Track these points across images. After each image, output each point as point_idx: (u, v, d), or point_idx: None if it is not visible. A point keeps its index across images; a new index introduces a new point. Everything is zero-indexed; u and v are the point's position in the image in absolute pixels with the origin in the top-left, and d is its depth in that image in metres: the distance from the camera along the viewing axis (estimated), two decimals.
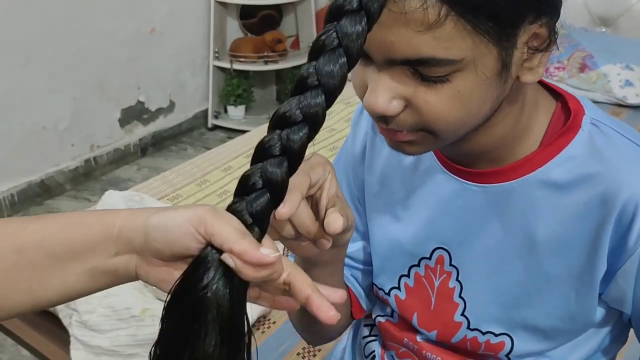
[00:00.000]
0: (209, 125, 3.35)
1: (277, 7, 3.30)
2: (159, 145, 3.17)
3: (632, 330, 0.71)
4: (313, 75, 0.44)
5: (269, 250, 0.46)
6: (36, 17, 2.49)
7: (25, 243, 0.50)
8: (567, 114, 0.65)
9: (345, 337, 0.93)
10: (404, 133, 0.58)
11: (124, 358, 1.23)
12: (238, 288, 0.46)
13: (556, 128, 0.65)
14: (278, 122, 0.45)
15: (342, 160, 0.82)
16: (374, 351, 0.84)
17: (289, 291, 0.50)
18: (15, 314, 0.52)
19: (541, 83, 0.67)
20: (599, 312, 0.67)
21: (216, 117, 3.34)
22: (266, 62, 3.20)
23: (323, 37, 0.44)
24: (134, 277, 0.52)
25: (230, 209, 0.47)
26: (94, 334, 1.23)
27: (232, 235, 0.45)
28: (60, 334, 1.35)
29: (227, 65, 3.21)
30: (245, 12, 3.33)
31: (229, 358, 0.46)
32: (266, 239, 0.48)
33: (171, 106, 3.20)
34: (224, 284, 0.45)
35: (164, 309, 0.47)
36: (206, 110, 3.34)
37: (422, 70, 0.53)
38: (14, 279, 0.50)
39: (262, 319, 1.28)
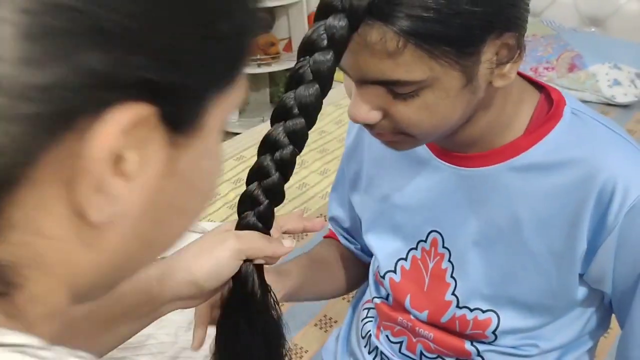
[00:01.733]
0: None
1: (270, 10, 3.31)
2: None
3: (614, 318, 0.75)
4: (292, 102, 0.57)
5: (288, 241, 0.65)
6: None
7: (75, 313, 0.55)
8: (549, 104, 0.70)
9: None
10: (387, 134, 0.65)
11: None
12: (262, 274, 0.64)
13: (540, 117, 0.69)
14: (266, 146, 0.59)
15: (344, 153, 0.90)
16: (369, 331, 0.88)
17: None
18: None
19: (525, 77, 0.72)
20: (581, 292, 0.71)
21: None
22: (259, 65, 3.21)
23: (300, 70, 0.57)
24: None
25: (243, 224, 0.62)
26: None
27: (263, 246, 0.61)
28: None
29: None
30: None
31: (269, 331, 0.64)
32: (276, 230, 0.65)
33: None
34: (259, 281, 0.63)
35: (220, 321, 0.65)
36: None
37: (392, 88, 0.60)
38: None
39: None
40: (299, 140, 0.57)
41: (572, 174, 0.66)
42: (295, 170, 1.91)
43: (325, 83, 0.56)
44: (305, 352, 1.21)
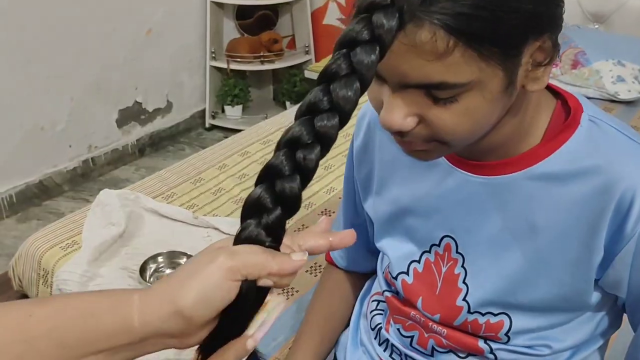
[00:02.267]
0: (207, 125, 3.37)
1: (273, 8, 3.32)
2: (156, 145, 3.19)
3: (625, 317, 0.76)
4: (326, 99, 0.46)
5: (298, 254, 0.50)
6: (35, 18, 2.51)
7: (33, 333, 0.46)
8: (566, 112, 0.69)
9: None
10: (418, 143, 0.63)
11: None
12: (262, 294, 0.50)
13: (557, 125, 0.69)
14: (289, 143, 0.47)
15: (349, 158, 0.90)
16: (379, 324, 0.88)
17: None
18: None
19: None
20: (595, 297, 0.71)
21: (213, 117, 3.36)
22: (262, 62, 3.22)
23: (334, 65, 0.46)
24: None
25: (243, 237, 0.49)
26: None
27: (264, 261, 0.48)
28: None
29: (223, 65, 3.23)
30: (242, 13, 3.35)
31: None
32: (288, 241, 0.51)
33: (169, 107, 3.22)
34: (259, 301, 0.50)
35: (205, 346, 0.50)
36: (203, 111, 3.36)
37: (434, 92, 0.58)
38: None
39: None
40: (327, 140, 0.47)
41: (591, 183, 0.66)
42: None
43: (366, 81, 0.47)
44: None
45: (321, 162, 1.66)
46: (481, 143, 0.67)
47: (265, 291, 0.50)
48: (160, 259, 1.36)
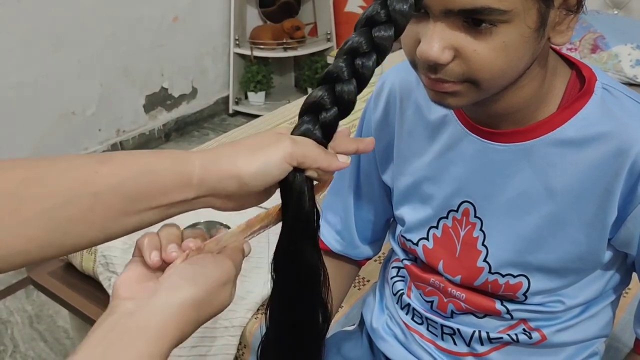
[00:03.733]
0: (230, 111, 3.44)
1: None
2: (182, 130, 3.28)
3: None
4: (383, 12, 0.54)
5: (343, 157, 0.58)
6: (65, 5, 2.60)
7: (101, 187, 0.51)
8: (581, 81, 0.72)
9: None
10: (449, 84, 0.64)
11: None
12: (311, 187, 0.58)
13: (572, 93, 0.72)
14: (349, 51, 0.54)
15: (360, 127, 0.91)
16: (401, 290, 0.92)
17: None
18: (85, 247, 0.53)
19: (558, 54, 0.74)
20: (607, 255, 0.75)
21: (237, 103, 3.43)
22: (285, 49, 3.28)
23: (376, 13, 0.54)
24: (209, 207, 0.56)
25: (301, 130, 0.56)
26: None
27: (318, 155, 0.55)
28: (100, 296, 1.45)
29: (247, 52, 3.30)
30: (265, 1, 3.41)
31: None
32: (340, 141, 0.58)
33: (193, 92, 3.30)
34: (309, 194, 0.57)
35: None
36: (227, 97, 3.43)
37: (477, 17, 0.59)
38: (91, 220, 0.51)
39: None
40: (382, 49, 0.54)
41: (605, 148, 0.69)
42: None
43: (401, 27, 0.54)
44: (341, 308, 1.28)
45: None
46: (501, 104, 0.70)
47: (310, 180, 0.57)
48: (198, 227, 1.43)
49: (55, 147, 2.71)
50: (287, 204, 0.57)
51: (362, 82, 0.55)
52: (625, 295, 1.23)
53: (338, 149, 0.59)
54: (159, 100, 3.14)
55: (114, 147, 2.95)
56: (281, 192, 0.57)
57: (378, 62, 0.55)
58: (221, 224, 1.43)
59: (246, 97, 3.45)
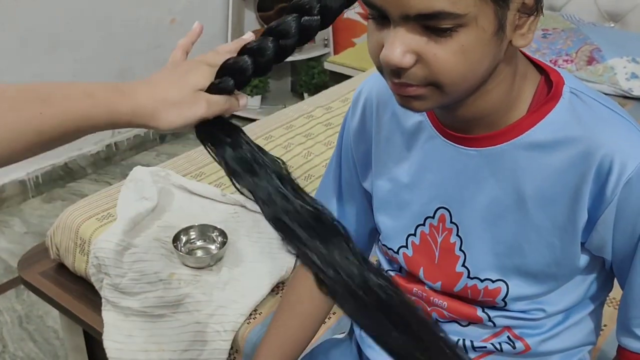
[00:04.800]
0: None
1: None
2: (177, 132, 3.27)
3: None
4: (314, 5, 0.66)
5: (244, 99, 0.73)
6: (62, 5, 2.59)
7: (44, 127, 0.61)
8: (550, 85, 0.73)
9: None
10: (413, 88, 0.66)
11: (152, 318, 1.31)
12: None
13: (541, 97, 0.73)
14: (269, 31, 0.68)
15: (341, 136, 0.93)
16: None
17: None
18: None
19: (529, 59, 0.76)
20: (584, 260, 0.76)
21: None
22: None
23: None
24: None
25: (220, 87, 0.70)
26: (124, 296, 1.32)
27: (224, 107, 0.70)
28: (92, 297, 1.44)
29: None
30: (263, 5, 3.42)
31: None
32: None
33: None
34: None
35: None
36: None
37: (432, 23, 0.61)
38: (32, 151, 0.62)
39: (280, 284, 1.36)
40: (305, 34, 0.68)
41: (573, 151, 0.70)
42: (301, 141, 1.99)
43: None
44: (333, 314, 1.28)
45: (322, 138, 1.81)
46: (470, 109, 0.71)
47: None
48: (192, 231, 1.43)
49: None
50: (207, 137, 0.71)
51: (281, 56, 0.68)
52: (617, 308, 1.24)
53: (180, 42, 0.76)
54: None
55: (108, 148, 2.94)
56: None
57: (297, 44, 0.68)
58: (215, 228, 1.43)
59: None
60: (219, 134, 0.69)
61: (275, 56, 0.68)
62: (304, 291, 0.99)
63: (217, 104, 0.69)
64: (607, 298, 0.87)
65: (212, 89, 0.69)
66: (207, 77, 0.69)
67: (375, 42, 0.67)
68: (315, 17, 0.67)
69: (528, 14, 0.65)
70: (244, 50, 0.70)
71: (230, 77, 0.69)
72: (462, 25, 0.61)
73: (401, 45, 0.63)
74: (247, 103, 0.73)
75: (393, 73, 0.66)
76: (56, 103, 0.62)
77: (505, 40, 0.65)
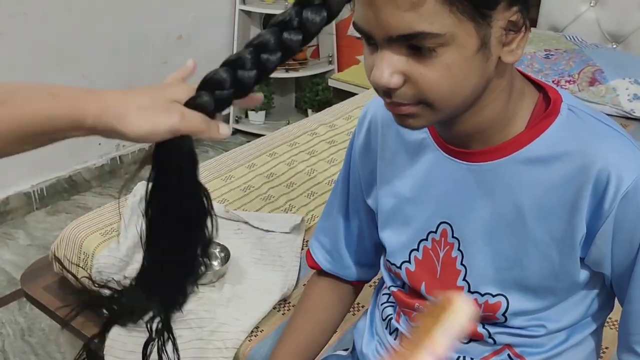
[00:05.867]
0: (230, 129, 3.45)
1: None
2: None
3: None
4: (294, 20, 0.61)
5: (225, 128, 0.66)
6: (71, 20, 2.62)
7: (1, 126, 0.58)
8: (548, 102, 0.75)
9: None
10: (405, 106, 0.68)
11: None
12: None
13: (539, 113, 0.75)
14: (257, 46, 0.63)
15: (349, 154, 0.95)
16: (390, 315, 0.94)
17: None
18: None
19: (527, 77, 0.78)
20: (584, 275, 0.76)
21: (237, 121, 3.45)
22: (287, 70, 3.31)
23: None
24: None
25: (197, 102, 0.64)
26: None
27: (202, 129, 0.64)
28: (94, 311, 1.45)
29: None
30: (268, 21, 3.43)
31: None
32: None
33: None
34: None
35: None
36: (228, 115, 3.45)
37: (415, 43, 0.64)
38: None
39: (282, 302, 1.37)
40: (288, 50, 0.62)
41: (570, 166, 0.71)
42: (305, 158, 2.02)
43: (333, 14, 0.62)
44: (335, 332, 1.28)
45: (325, 155, 1.81)
46: (467, 124, 0.73)
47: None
48: None
49: (56, 159, 2.72)
50: (164, 152, 0.66)
51: (263, 73, 0.63)
52: (616, 329, 1.24)
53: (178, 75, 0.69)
54: None
55: (113, 161, 2.96)
56: (158, 146, 0.66)
57: (281, 60, 0.63)
58: (218, 244, 1.44)
59: (246, 116, 3.47)
60: (172, 161, 0.67)
61: (257, 70, 0.63)
62: (319, 299, 1.03)
63: (193, 119, 0.63)
64: (609, 319, 0.87)
65: (189, 104, 0.64)
66: (185, 92, 0.65)
67: (369, 65, 0.69)
68: (297, 35, 0.63)
69: (515, 31, 0.67)
70: (223, 63, 0.66)
71: (208, 92, 0.64)
72: (443, 44, 0.63)
73: (388, 67, 0.65)
74: (228, 133, 0.67)
75: (384, 93, 0.68)
76: (16, 103, 0.59)
77: (491, 56, 0.67)
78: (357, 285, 1.05)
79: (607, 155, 0.70)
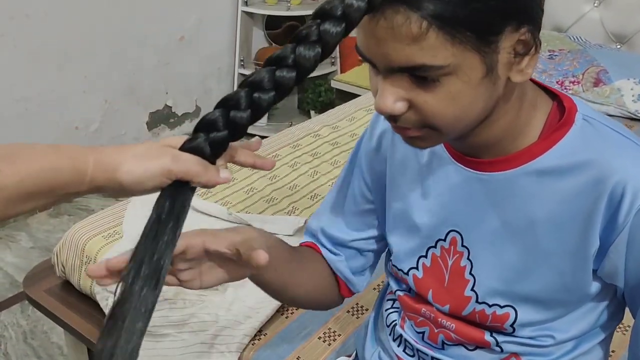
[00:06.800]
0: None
1: (302, 19, 3.41)
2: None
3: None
4: (291, 58, 0.58)
5: (226, 172, 0.65)
6: (73, 21, 2.62)
7: (5, 184, 0.59)
8: (562, 111, 0.73)
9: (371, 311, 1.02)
10: (412, 130, 0.68)
11: (156, 338, 1.31)
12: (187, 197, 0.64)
13: (553, 123, 0.73)
14: (251, 84, 0.60)
15: (357, 154, 0.93)
16: (394, 321, 0.92)
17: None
18: None
19: (540, 85, 0.76)
20: (595, 287, 0.75)
21: None
22: None
23: (305, 30, 0.58)
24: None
25: (191, 145, 0.62)
26: None
27: (198, 172, 0.62)
28: (97, 315, 1.44)
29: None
30: (271, 23, 3.45)
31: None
32: (228, 156, 0.66)
33: (197, 111, 3.31)
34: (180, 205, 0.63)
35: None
36: None
37: (417, 74, 0.62)
38: (3, 213, 0.60)
39: (285, 305, 1.36)
40: (282, 89, 0.59)
41: (585, 177, 0.70)
42: (308, 160, 2.01)
43: (328, 50, 0.59)
44: (338, 336, 1.28)
45: (328, 157, 1.80)
46: (478, 137, 0.71)
47: (190, 189, 0.63)
48: None
49: None
50: (163, 204, 0.62)
51: (256, 113, 0.61)
52: (625, 333, 1.23)
53: (237, 159, 0.68)
54: (162, 118, 3.15)
55: None
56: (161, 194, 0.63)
57: (275, 100, 0.60)
58: None
59: None
60: (173, 202, 0.62)
61: (250, 109, 0.61)
62: (310, 255, 0.96)
63: (185, 160, 0.62)
64: None
65: (183, 147, 0.64)
66: (180, 140, 0.65)
67: (374, 86, 0.68)
68: (291, 72, 0.60)
69: (524, 53, 0.65)
70: (217, 103, 0.63)
71: (203, 134, 0.62)
72: (446, 74, 0.62)
73: (391, 94, 0.64)
74: (229, 178, 0.65)
75: (389, 118, 0.68)
76: (21, 160, 0.60)
77: (499, 80, 0.65)
78: (342, 287, 0.97)
79: (623, 167, 0.69)
